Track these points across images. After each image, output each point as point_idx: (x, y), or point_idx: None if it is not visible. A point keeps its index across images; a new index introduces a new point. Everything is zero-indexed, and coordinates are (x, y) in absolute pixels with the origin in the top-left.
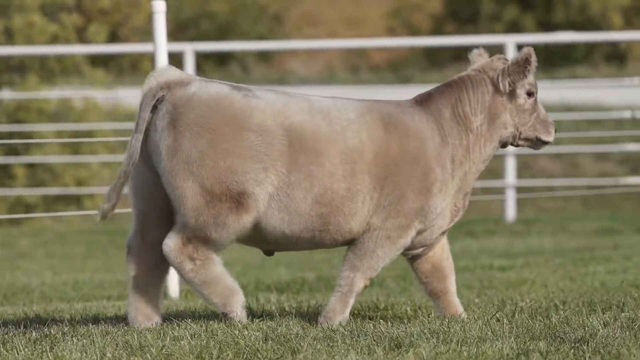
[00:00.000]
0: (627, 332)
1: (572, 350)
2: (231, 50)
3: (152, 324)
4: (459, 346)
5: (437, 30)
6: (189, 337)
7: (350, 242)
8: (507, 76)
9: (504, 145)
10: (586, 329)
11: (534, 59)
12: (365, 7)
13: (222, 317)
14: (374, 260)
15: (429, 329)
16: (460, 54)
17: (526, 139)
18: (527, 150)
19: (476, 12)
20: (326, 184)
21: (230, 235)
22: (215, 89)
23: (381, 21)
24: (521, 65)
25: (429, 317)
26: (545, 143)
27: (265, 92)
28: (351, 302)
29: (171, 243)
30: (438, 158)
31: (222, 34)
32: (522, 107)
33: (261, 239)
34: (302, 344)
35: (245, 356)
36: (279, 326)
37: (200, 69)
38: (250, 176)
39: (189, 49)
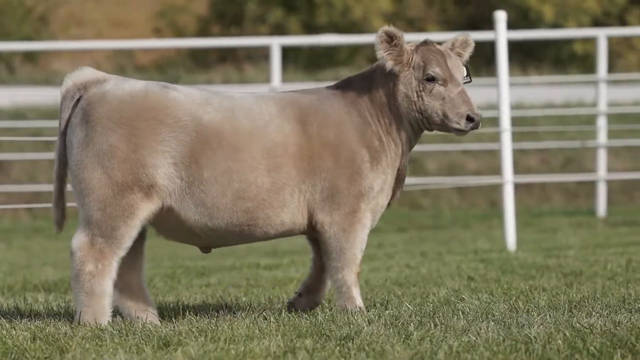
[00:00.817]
0: (390, 329)
1: (338, 348)
2: None
3: None
4: (226, 344)
5: (202, 32)
6: None
7: (284, 235)
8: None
9: (428, 129)
10: (351, 326)
11: (375, 42)
12: (131, 8)
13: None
14: (347, 254)
15: (197, 327)
16: (226, 55)
17: (435, 124)
18: None
19: (241, 13)
20: (249, 179)
21: (137, 225)
22: (131, 84)
23: (147, 22)
24: None
25: (197, 315)
26: (459, 131)
27: (188, 88)
28: (356, 294)
29: (78, 241)
30: (362, 139)
31: None
32: (421, 92)
33: (189, 234)
34: (70, 343)
35: (13, 356)
36: (47, 326)
37: None
38: (161, 170)
39: None
